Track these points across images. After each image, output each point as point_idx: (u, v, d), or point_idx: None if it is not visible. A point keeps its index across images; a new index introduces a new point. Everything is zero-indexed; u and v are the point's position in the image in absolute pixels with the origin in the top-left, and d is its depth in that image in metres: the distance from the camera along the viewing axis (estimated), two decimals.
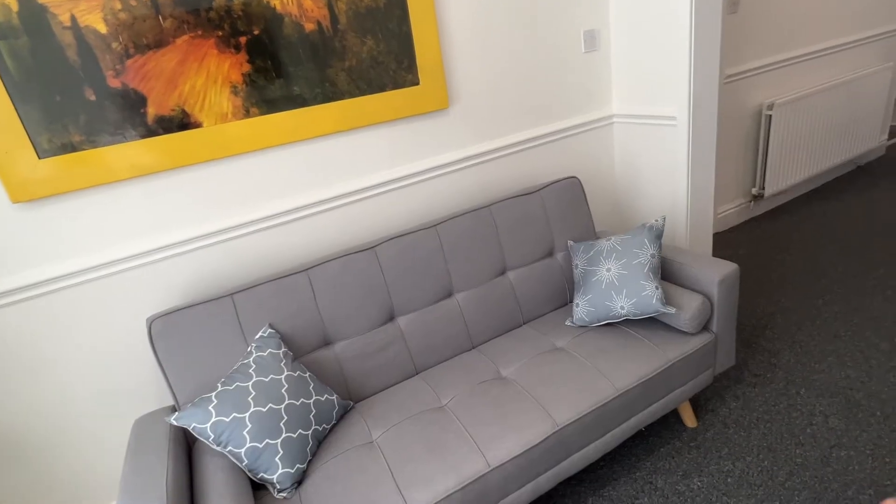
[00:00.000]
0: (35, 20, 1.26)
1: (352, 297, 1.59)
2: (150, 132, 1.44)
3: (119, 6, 1.33)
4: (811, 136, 3.20)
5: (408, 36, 1.73)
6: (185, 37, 1.42)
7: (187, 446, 1.39)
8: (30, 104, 1.29)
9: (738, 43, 2.78)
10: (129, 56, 1.37)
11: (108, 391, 1.56)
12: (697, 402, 1.88)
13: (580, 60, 2.15)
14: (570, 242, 1.88)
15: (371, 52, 1.68)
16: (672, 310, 1.57)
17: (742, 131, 3.02)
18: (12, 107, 1.28)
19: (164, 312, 1.40)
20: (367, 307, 1.61)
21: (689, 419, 1.78)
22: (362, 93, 1.70)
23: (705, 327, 1.67)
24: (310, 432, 1.35)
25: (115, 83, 1.37)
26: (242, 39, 1.49)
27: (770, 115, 2.98)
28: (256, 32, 1.51)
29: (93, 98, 1.35)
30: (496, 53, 1.94)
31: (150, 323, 1.39)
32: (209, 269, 1.61)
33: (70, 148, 1.36)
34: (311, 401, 1.39)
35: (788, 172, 3.19)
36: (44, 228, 1.39)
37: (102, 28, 1.33)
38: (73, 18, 1.29)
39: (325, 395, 1.44)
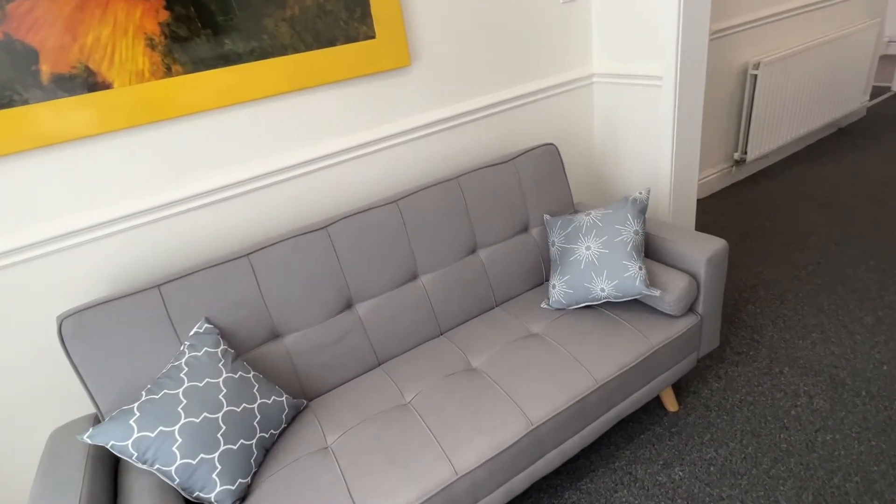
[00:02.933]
0: None
1: (302, 284, 1.41)
2: (47, 94, 1.19)
3: None
4: (795, 97, 3.06)
5: None
6: None
7: (113, 462, 1.21)
8: None
9: None
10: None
11: (21, 397, 1.36)
12: (679, 384, 1.79)
13: (558, 11, 1.93)
14: (547, 217, 1.72)
15: None
16: (657, 292, 1.44)
17: (726, 92, 2.86)
18: None
19: (78, 309, 1.20)
20: (320, 294, 1.44)
21: (671, 403, 1.69)
22: (308, 48, 1.47)
23: (691, 309, 1.55)
24: (254, 441, 1.19)
25: None
26: None
27: (756, 75, 2.82)
28: None
29: None
30: (463, 8, 1.71)
31: (61, 322, 1.19)
32: (134, 255, 1.40)
33: None
34: (256, 405, 1.22)
35: (771, 136, 3.06)
36: None
37: None
38: None
39: (273, 397, 1.28)
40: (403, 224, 1.54)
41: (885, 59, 5.05)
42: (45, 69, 1.18)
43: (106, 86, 1.25)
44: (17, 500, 1.44)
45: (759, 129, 2.97)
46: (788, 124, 3.12)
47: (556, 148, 1.81)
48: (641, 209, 1.53)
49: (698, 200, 3.03)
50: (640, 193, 1.55)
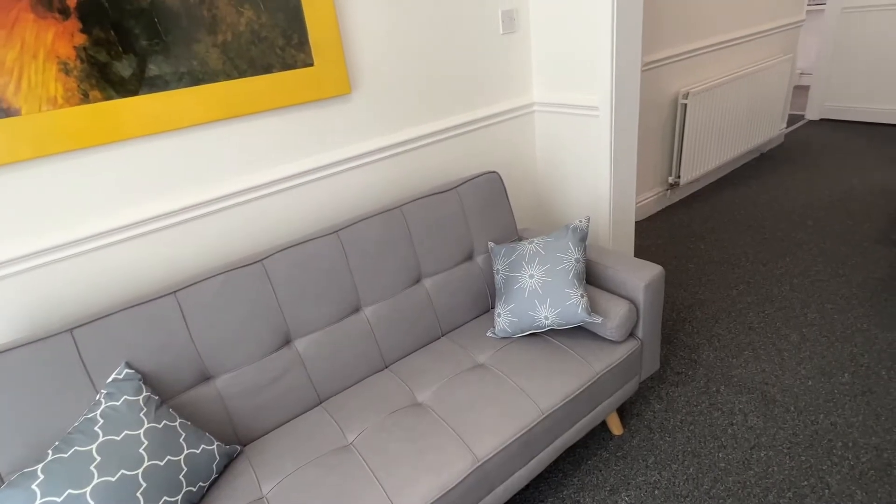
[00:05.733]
0: None
1: (235, 321, 1.33)
2: None
3: None
4: (722, 124, 3.26)
5: (297, 8, 1.45)
6: None
7: None
8: None
9: (654, 30, 2.73)
10: None
11: None
12: (623, 407, 1.81)
13: (498, 42, 1.97)
14: (491, 244, 1.72)
15: (251, 24, 1.40)
16: (598, 319, 1.46)
17: (659, 120, 3.01)
18: None
19: None
20: (255, 331, 1.36)
21: (615, 426, 1.70)
22: (242, 74, 1.42)
23: (631, 334, 1.58)
24: (179, 497, 1.10)
25: None
26: (70, 2, 1.16)
27: (686, 104, 2.98)
28: None
29: None
30: (405, 31, 1.71)
31: None
32: (42, 297, 1.28)
33: None
34: (182, 456, 1.13)
35: (701, 160, 3.24)
36: None
37: None
38: None
39: (202, 446, 1.19)
40: (345, 255, 1.50)
41: (798, 90, 5.50)
42: None
43: (11, 112, 1.15)
44: None
45: (689, 154, 3.14)
46: (716, 150, 3.31)
47: (499, 175, 1.82)
48: (582, 237, 1.55)
49: (636, 223, 3.14)
50: (581, 221, 1.58)
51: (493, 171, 1.82)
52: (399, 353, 1.59)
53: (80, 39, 1.19)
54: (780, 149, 4.03)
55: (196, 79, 1.35)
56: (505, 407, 1.33)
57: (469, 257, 1.75)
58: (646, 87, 2.83)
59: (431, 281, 1.66)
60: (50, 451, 1.03)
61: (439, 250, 1.67)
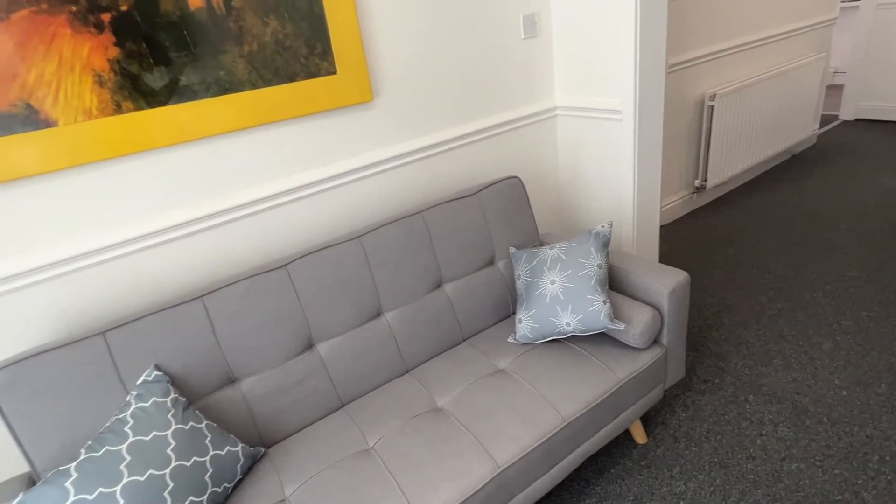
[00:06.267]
0: None
1: (260, 325, 1.36)
2: None
3: None
4: (751, 126, 3.19)
5: (320, 17, 1.48)
6: (24, 12, 1.12)
7: None
8: None
9: (681, 31, 2.68)
10: None
11: None
12: (647, 415, 1.78)
13: (520, 47, 1.97)
14: (512, 250, 1.72)
15: (276, 35, 1.43)
16: (621, 326, 1.44)
17: (685, 122, 2.96)
18: None
19: (11, 361, 1.12)
20: (279, 335, 1.38)
21: (639, 435, 1.68)
22: (267, 83, 1.45)
23: (655, 341, 1.56)
24: (205, 497, 1.12)
25: None
26: (105, 17, 1.20)
27: (712, 106, 2.92)
28: (124, 8, 1.22)
29: None
30: (427, 38, 1.73)
31: None
32: (78, 301, 1.33)
33: None
34: (207, 458, 1.16)
35: (729, 163, 3.17)
36: None
37: None
38: None
39: (227, 448, 1.21)
40: (366, 260, 1.51)
41: (832, 90, 5.33)
42: None
43: (50, 124, 1.20)
44: None
45: (717, 156, 3.07)
46: (745, 152, 3.24)
47: (521, 180, 1.82)
48: (604, 242, 1.54)
49: (661, 227, 3.09)
50: (603, 227, 1.56)
51: (515, 177, 1.81)
52: (420, 357, 1.59)
53: (114, 52, 1.23)
54: (812, 150, 3.91)
55: (223, 88, 1.39)
56: (526, 414, 1.32)
57: (490, 262, 1.75)
58: (671, 88, 2.78)
59: (452, 286, 1.66)
60: (83, 450, 1.06)
61: (460, 255, 1.67)
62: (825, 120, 4.51)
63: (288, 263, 1.42)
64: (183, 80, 1.33)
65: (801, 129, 3.63)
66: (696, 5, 2.70)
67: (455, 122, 1.89)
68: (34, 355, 1.14)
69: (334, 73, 1.55)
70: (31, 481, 1.16)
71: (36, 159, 1.19)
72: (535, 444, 1.26)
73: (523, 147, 2.11)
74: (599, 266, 1.50)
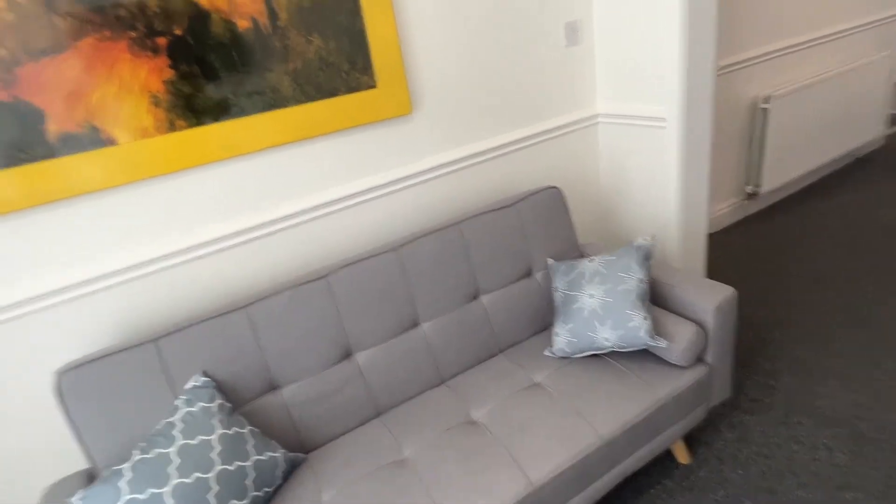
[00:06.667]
0: None
1: (301, 335, 1.40)
2: (52, 152, 1.22)
3: (2, 4, 1.11)
4: (809, 129, 3.02)
5: (361, 33, 1.51)
6: (89, 39, 1.20)
7: None
8: None
9: (731, 31, 2.58)
10: (18, 63, 1.15)
11: (15, 450, 1.36)
12: (690, 433, 1.72)
13: (561, 55, 1.94)
14: (550, 261, 1.70)
15: (319, 52, 1.47)
16: (663, 343, 1.40)
17: (736, 126, 2.83)
18: None
19: (76, 364, 1.20)
20: (319, 344, 1.42)
21: (682, 455, 1.62)
22: (310, 99, 1.49)
23: (699, 358, 1.50)
24: (246, 501, 1.17)
25: (2, 96, 1.15)
26: (161, 41, 1.27)
27: (766, 109, 2.79)
28: (178, 32, 1.29)
29: None
30: (466, 49, 1.73)
31: (60, 376, 1.19)
32: (135, 307, 1.41)
33: None
34: (249, 462, 1.20)
35: (785, 168, 3.01)
36: None
37: None
38: None
39: (268, 453, 1.26)
40: (404, 271, 1.53)
41: None
42: (53, 128, 1.21)
43: (111, 142, 1.28)
44: None
45: (772, 161, 2.92)
46: (803, 156, 3.07)
47: (560, 191, 1.79)
48: (646, 256, 1.50)
49: (710, 235, 2.97)
50: (645, 239, 1.52)
51: (554, 187, 1.79)
52: (456, 368, 1.60)
53: (169, 74, 1.30)
54: (879, 153, 3.66)
55: (268, 105, 1.44)
56: (561, 430, 1.31)
57: (528, 274, 1.73)
58: (721, 91, 2.67)
59: (489, 297, 1.66)
60: (136, 451, 1.13)
61: (497, 267, 1.67)
62: (894, 120, 4.21)
63: (328, 275, 1.45)
64: (231, 99, 1.39)
65: (867, 132, 3.41)
66: (749, 3, 2.58)
67: (494, 131, 1.89)
68: (95, 360, 1.22)
69: (374, 87, 1.58)
70: (90, 477, 1.24)
71: (99, 176, 1.28)
72: (571, 463, 1.25)
73: (564, 155, 2.09)
74: (640, 281, 1.46)
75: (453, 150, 1.82)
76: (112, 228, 1.34)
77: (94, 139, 1.26)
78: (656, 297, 1.61)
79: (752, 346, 2.06)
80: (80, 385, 1.20)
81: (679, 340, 1.42)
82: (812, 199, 3.16)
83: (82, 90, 1.22)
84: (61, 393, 1.19)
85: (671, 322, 1.47)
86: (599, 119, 2.11)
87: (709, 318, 1.45)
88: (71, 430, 1.20)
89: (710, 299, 1.45)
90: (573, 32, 1.94)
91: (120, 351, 1.24)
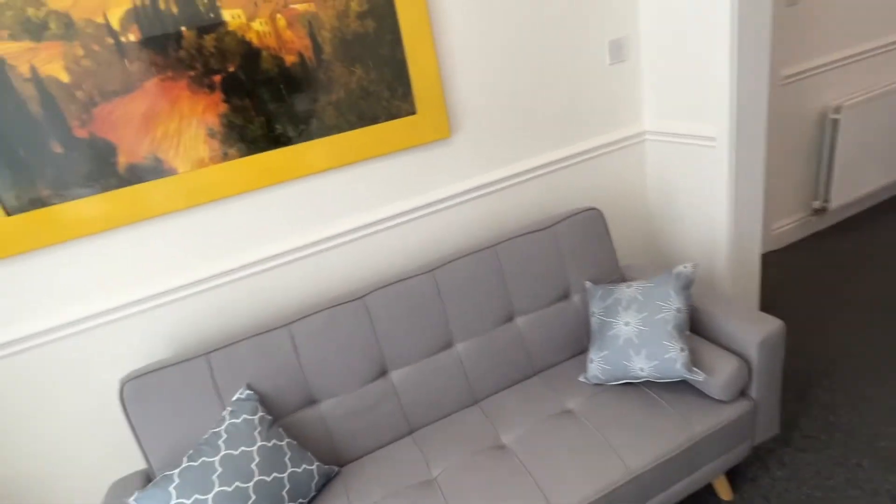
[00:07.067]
0: None
1: (338, 353, 1.47)
2: (122, 182, 1.36)
3: (81, 53, 1.25)
4: (885, 140, 2.78)
5: (401, 62, 1.56)
6: (154, 80, 1.33)
7: None
8: None
9: (798, 37, 2.43)
10: (94, 104, 1.29)
11: (88, 447, 1.51)
12: (735, 467, 1.64)
13: (604, 73, 1.92)
14: (588, 285, 1.68)
15: (360, 81, 1.54)
16: (700, 376, 1.35)
17: (802, 137, 2.67)
18: None
19: (137, 374, 1.33)
20: (355, 362, 1.49)
21: (724, 490, 1.55)
22: (352, 126, 1.56)
23: (742, 393, 1.44)
24: None
25: (81, 133, 1.29)
26: (217, 78, 1.38)
27: (837, 120, 2.61)
28: (231, 69, 1.39)
29: (59, 150, 1.28)
30: (507, 71, 1.75)
31: (123, 385, 1.32)
32: (190, 320, 1.53)
33: (39, 203, 1.30)
34: (286, 474, 1.28)
35: (856, 183, 2.80)
36: (18, 286, 1.34)
37: (65, 77, 1.25)
38: (33, 69, 1.22)
39: (304, 466, 1.33)
40: (438, 293, 1.57)
41: None
42: (122, 160, 1.35)
43: (172, 172, 1.40)
44: None
45: (842, 175, 2.73)
46: (876, 170, 2.84)
47: (600, 212, 1.77)
48: (685, 284, 1.45)
49: (771, 252, 2.81)
50: (685, 267, 1.48)
51: (594, 208, 1.77)
52: (489, 389, 1.62)
53: (223, 108, 1.41)
54: None
55: (313, 134, 1.52)
56: (590, 461, 1.30)
57: (565, 296, 1.72)
58: (786, 101, 2.52)
59: (524, 319, 1.67)
60: (185, 459, 1.23)
61: (533, 289, 1.67)
62: None
63: (364, 295, 1.51)
64: (279, 128, 1.48)
65: None
66: (817, 8, 2.43)
67: (535, 151, 1.89)
68: (153, 370, 1.34)
69: (414, 113, 1.63)
70: (146, 477, 1.37)
71: (160, 202, 1.40)
72: (598, 496, 1.23)
73: (609, 174, 2.05)
74: (678, 310, 1.42)
75: (493, 171, 1.84)
76: (170, 250, 1.47)
77: (158, 169, 1.39)
78: (698, 326, 1.55)
79: (809, 376, 1.93)
80: (140, 393, 1.32)
81: (719, 374, 1.37)
82: (885, 217, 2.91)
83: (148, 125, 1.35)
84: (124, 399, 1.31)
85: (712, 354, 1.42)
86: (646, 137, 2.06)
87: (752, 352, 1.39)
88: (132, 433, 1.33)
89: (754, 332, 1.38)
90: (618, 50, 1.91)
91: (175, 363, 1.35)
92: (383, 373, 1.54)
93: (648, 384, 1.50)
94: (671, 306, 1.42)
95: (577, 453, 1.32)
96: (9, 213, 1.28)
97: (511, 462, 1.34)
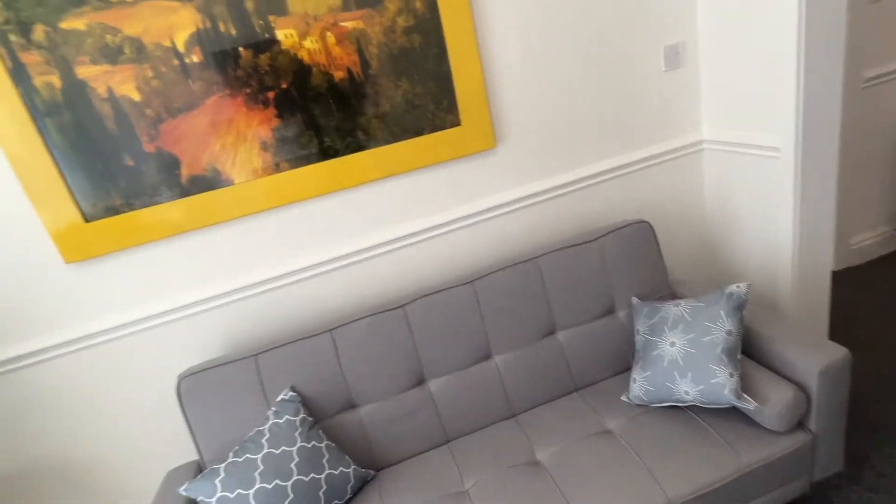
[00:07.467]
0: (76, 94, 1.32)
1: (378, 360, 1.51)
2: (184, 192, 1.47)
3: (151, 74, 1.36)
4: None
5: (447, 75, 1.58)
6: (214, 97, 1.42)
7: None
8: (75, 173, 1.37)
9: (883, 37, 2.23)
10: (161, 121, 1.40)
11: (150, 436, 1.64)
12: (793, 502, 1.53)
13: (659, 80, 1.84)
14: (635, 301, 1.62)
15: (406, 95, 1.57)
16: (751, 405, 1.27)
17: (887, 144, 2.44)
18: (60, 177, 1.36)
19: (193, 371, 1.43)
20: (394, 369, 1.52)
21: None
22: (397, 139, 1.60)
23: (800, 425, 1.34)
24: None
25: (150, 147, 1.41)
26: (270, 95, 1.46)
27: None
28: (284, 86, 1.46)
29: (131, 163, 1.40)
30: (555, 81, 1.72)
31: (180, 381, 1.42)
32: (242, 322, 1.62)
33: (112, 211, 1.43)
34: (323, 475, 1.33)
35: None
36: (92, 286, 1.48)
37: (136, 96, 1.36)
38: (109, 90, 1.34)
39: (341, 468, 1.37)
40: (478, 304, 1.57)
41: None
42: (185, 172, 1.45)
43: (229, 182, 1.49)
44: None
45: None
46: None
47: (650, 225, 1.70)
48: (738, 306, 1.37)
49: (848, 269, 2.59)
50: (739, 287, 1.39)
51: (644, 221, 1.71)
52: (527, 403, 1.60)
53: (275, 123, 1.48)
54: None
55: (360, 146, 1.57)
56: (627, 485, 1.25)
57: (609, 312, 1.67)
58: (868, 106, 2.32)
59: (566, 334, 1.64)
60: (230, 454, 1.31)
61: (576, 303, 1.63)
62: None
63: (405, 304, 1.54)
64: (327, 141, 1.54)
65: None
66: None
67: (582, 161, 1.85)
68: (207, 368, 1.43)
69: (458, 125, 1.64)
70: (198, 468, 1.46)
71: (218, 211, 1.50)
72: None
73: (661, 185, 1.97)
74: (729, 333, 1.34)
75: (538, 181, 1.82)
76: (225, 255, 1.56)
77: (217, 180, 1.48)
78: (752, 350, 1.46)
79: (887, 407, 1.76)
80: (195, 388, 1.41)
81: (773, 403, 1.28)
82: None
83: (208, 139, 1.45)
84: (180, 394, 1.41)
85: (766, 381, 1.33)
86: (704, 146, 1.96)
87: (812, 381, 1.29)
88: (186, 426, 1.43)
89: (814, 359, 1.29)
90: (674, 55, 1.83)
91: (227, 363, 1.44)
92: (421, 381, 1.56)
93: (695, 409, 1.43)
94: (721, 328, 1.35)
95: (613, 476, 1.28)
96: (87, 220, 1.41)
97: (544, 480, 1.32)
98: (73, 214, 1.40)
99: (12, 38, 1.24)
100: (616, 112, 1.83)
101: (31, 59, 1.27)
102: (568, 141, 1.81)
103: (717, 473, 1.25)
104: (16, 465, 1.54)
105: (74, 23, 1.27)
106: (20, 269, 1.41)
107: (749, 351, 1.47)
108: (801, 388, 1.31)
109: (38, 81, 1.29)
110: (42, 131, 1.32)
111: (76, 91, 1.32)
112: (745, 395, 1.30)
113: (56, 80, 1.30)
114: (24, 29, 1.25)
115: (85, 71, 1.31)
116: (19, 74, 1.27)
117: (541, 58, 1.69)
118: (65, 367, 1.51)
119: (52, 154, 1.34)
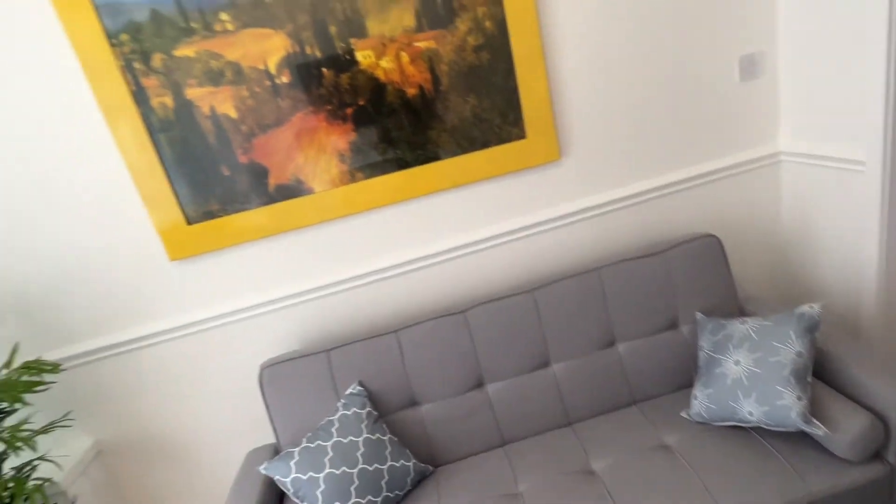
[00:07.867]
0: (184, 113, 1.50)
1: (439, 361, 1.59)
2: (271, 199, 1.62)
3: (246, 94, 1.52)
4: None
5: (514, 90, 1.64)
6: (299, 114, 1.56)
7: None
8: (181, 181, 1.56)
9: None
10: (254, 135, 1.56)
11: (237, 418, 1.82)
12: None
13: (733, 91, 1.80)
14: (699, 316, 1.60)
15: (474, 109, 1.64)
16: (820, 430, 1.22)
17: None
18: (169, 184, 1.55)
19: (274, 361, 1.58)
20: (454, 372, 1.59)
21: None
22: (464, 151, 1.67)
23: (878, 455, 1.27)
24: (380, 499, 1.39)
25: (243, 159, 1.57)
26: (349, 111, 1.58)
27: None
28: (361, 103, 1.58)
29: (227, 173, 1.57)
30: (622, 93, 1.73)
31: (262, 370, 1.57)
32: (317, 319, 1.76)
33: (210, 215, 1.60)
34: (385, 466, 1.42)
35: None
36: (191, 281, 1.67)
37: (234, 114, 1.53)
38: (212, 108, 1.51)
39: (402, 461, 1.47)
40: (538, 312, 1.61)
41: None
42: (272, 181, 1.61)
43: (310, 191, 1.63)
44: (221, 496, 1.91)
45: None
46: None
47: (718, 240, 1.67)
48: (809, 327, 1.32)
49: None
50: (811, 308, 1.34)
51: (712, 235, 1.67)
52: (583, 413, 1.62)
53: (352, 136, 1.61)
54: None
55: (429, 158, 1.66)
56: (682, 502, 1.25)
57: (673, 326, 1.66)
58: None
59: (626, 346, 1.64)
60: (304, 440, 1.43)
61: (637, 316, 1.63)
62: None
63: (467, 310, 1.61)
64: (398, 153, 1.65)
65: None
66: None
67: (649, 173, 1.84)
68: (286, 360, 1.57)
69: (524, 137, 1.69)
70: (274, 451, 1.61)
71: (300, 216, 1.65)
72: None
73: (733, 198, 1.91)
74: (799, 354, 1.30)
75: (603, 192, 1.83)
76: (305, 257, 1.71)
77: (300, 189, 1.63)
78: (827, 375, 1.40)
79: None
80: (274, 378, 1.56)
81: (846, 431, 1.23)
82: None
83: (293, 152, 1.59)
84: (262, 382, 1.56)
85: (839, 406, 1.28)
86: (782, 157, 1.88)
87: (891, 411, 1.22)
88: (266, 411, 1.58)
89: (893, 387, 1.22)
90: (750, 65, 1.78)
91: (303, 356, 1.57)
92: (480, 384, 1.62)
93: (760, 431, 1.39)
94: (790, 350, 1.31)
95: (668, 492, 1.28)
96: (189, 223, 1.60)
97: (598, 489, 1.34)
98: (178, 217, 1.59)
99: (136, 65, 1.44)
100: (685, 123, 1.81)
101: (150, 83, 1.46)
102: (633, 153, 1.81)
103: (779, 498, 1.21)
104: (125, 436, 1.77)
105: (186, 51, 1.46)
106: (133, 265, 1.62)
107: (823, 375, 1.41)
108: (878, 416, 1.24)
109: (154, 102, 1.48)
110: (156, 145, 1.51)
111: (184, 110, 1.50)
112: (815, 420, 1.25)
113: (169, 101, 1.49)
114: (146, 57, 1.44)
115: (192, 92, 1.49)
116: (140, 96, 1.47)
117: (607, 72, 1.70)
118: (165, 352, 1.71)
119: (163, 164, 1.54)
